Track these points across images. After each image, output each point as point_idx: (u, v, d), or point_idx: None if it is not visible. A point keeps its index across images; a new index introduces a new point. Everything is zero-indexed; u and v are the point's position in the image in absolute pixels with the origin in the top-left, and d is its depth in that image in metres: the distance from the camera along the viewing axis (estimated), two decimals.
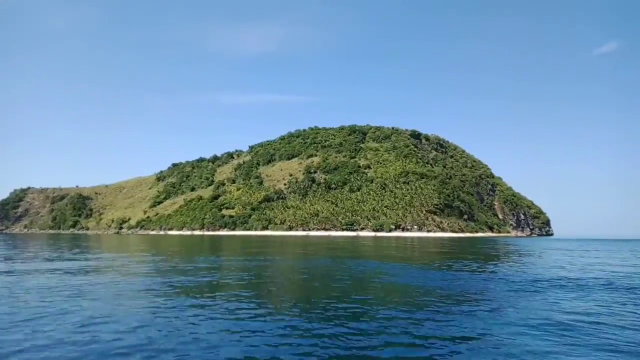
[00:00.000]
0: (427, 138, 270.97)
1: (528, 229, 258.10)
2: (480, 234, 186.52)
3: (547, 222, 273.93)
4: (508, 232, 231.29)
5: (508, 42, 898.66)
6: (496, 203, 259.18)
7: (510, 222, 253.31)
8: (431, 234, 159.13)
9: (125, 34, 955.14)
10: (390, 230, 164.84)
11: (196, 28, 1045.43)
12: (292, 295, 13.40)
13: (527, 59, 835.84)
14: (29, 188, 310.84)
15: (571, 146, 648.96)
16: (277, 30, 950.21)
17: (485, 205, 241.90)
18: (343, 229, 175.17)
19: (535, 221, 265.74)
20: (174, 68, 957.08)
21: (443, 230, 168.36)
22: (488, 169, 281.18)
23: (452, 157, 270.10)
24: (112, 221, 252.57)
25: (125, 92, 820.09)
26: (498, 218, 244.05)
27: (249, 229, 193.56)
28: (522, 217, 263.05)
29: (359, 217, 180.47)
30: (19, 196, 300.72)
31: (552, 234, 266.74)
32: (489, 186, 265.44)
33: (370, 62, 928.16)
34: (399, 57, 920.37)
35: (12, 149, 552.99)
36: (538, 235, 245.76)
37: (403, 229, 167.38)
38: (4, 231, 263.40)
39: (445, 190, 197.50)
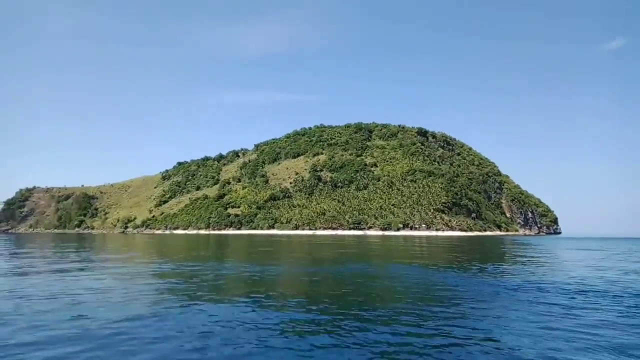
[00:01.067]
0: (433, 136, 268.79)
1: (536, 228, 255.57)
2: (488, 233, 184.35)
3: (555, 221, 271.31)
4: (516, 230, 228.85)
5: (516, 37, 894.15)
6: (504, 201, 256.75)
7: (518, 220, 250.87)
8: (440, 233, 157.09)
9: (129, 34, 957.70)
10: (398, 229, 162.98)
11: (200, 27, 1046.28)
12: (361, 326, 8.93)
13: (536, 55, 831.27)
14: (34, 187, 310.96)
15: (578, 142, 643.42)
16: (281, 28, 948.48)
17: (492, 204, 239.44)
18: (350, 228, 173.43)
19: (543, 219, 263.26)
20: (179, 67, 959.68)
21: (452, 229, 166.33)
22: (495, 166, 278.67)
23: (459, 154, 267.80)
24: (118, 220, 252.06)
25: (130, 91, 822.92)
26: (506, 216, 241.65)
27: (254, 228, 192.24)
28: (530, 215, 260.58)
29: (366, 216, 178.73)
30: (24, 196, 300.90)
31: (559, 233, 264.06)
32: (496, 184, 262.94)
33: (374, 60, 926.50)
34: (404, 55, 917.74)
35: (17, 148, 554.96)
36: (546, 233, 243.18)
37: (411, 228, 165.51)
38: (10, 231, 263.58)
39: (452, 188, 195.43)
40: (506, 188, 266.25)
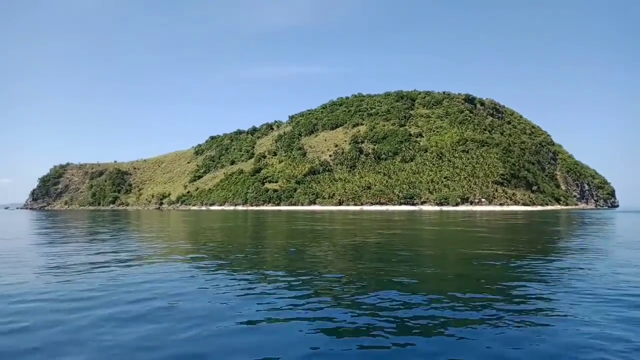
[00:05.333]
0: (481, 103, 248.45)
1: (592, 201, 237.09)
2: (549, 207, 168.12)
3: (612, 193, 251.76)
4: (575, 204, 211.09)
5: (565, 6, 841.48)
6: (558, 173, 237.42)
7: (574, 193, 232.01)
8: (504, 208, 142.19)
9: (162, 11, 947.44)
10: (457, 204, 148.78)
11: (232, 2, 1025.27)
12: None
13: (583, 23, 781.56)
14: (68, 164, 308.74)
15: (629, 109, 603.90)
16: (308, 1, 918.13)
17: (547, 176, 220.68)
18: (401, 203, 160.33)
19: (599, 192, 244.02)
20: (211, 42, 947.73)
21: (516, 202, 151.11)
22: (548, 135, 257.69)
23: (509, 123, 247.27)
24: (152, 196, 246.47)
25: (161, 66, 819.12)
26: (561, 189, 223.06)
27: (294, 204, 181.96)
28: (587, 187, 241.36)
29: (418, 190, 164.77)
30: (58, 172, 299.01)
31: (617, 206, 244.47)
32: (550, 154, 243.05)
33: (410, 29, 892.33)
34: (442, 22, 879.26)
35: (50, 125, 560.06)
36: (608, 207, 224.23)
37: (471, 202, 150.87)
38: (46, 207, 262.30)
39: (509, 159, 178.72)
40: (560, 159, 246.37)
